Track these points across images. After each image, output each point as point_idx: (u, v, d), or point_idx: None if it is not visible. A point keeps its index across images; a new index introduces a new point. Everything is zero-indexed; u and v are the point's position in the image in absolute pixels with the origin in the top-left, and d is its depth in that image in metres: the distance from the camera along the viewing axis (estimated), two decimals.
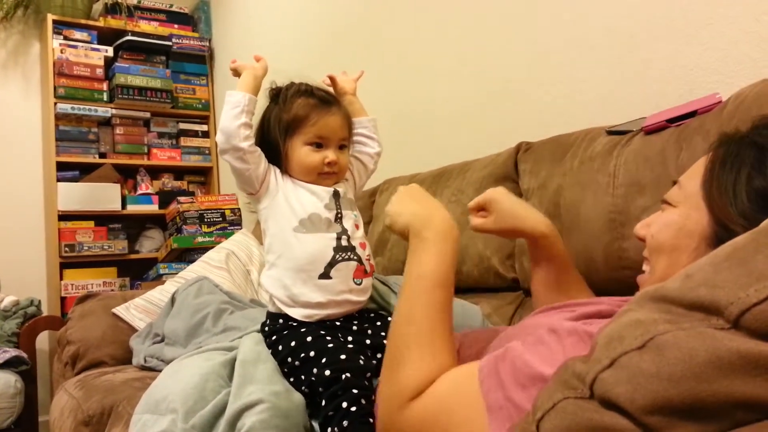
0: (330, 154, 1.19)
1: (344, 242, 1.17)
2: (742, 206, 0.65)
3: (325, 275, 1.14)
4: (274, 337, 1.15)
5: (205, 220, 3.05)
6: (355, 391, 0.97)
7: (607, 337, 0.50)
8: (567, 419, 0.50)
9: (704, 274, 0.47)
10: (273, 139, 1.21)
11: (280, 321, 1.16)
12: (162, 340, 1.74)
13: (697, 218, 0.71)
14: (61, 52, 3.17)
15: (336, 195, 1.20)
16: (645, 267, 0.81)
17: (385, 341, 1.15)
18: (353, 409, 0.95)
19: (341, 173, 1.24)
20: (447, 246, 0.87)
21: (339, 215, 1.19)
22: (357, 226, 1.21)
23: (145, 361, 1.73)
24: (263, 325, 1.22)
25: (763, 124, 0.72)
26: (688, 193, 0.74)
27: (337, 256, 1.16)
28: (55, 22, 3.23)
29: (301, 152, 1.19)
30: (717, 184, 0.69)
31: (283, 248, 1.17)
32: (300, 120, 1.19)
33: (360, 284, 1.18)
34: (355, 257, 1.18)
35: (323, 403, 0.99)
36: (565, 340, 0.64)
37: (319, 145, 1.20)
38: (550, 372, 0.59)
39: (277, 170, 1.21)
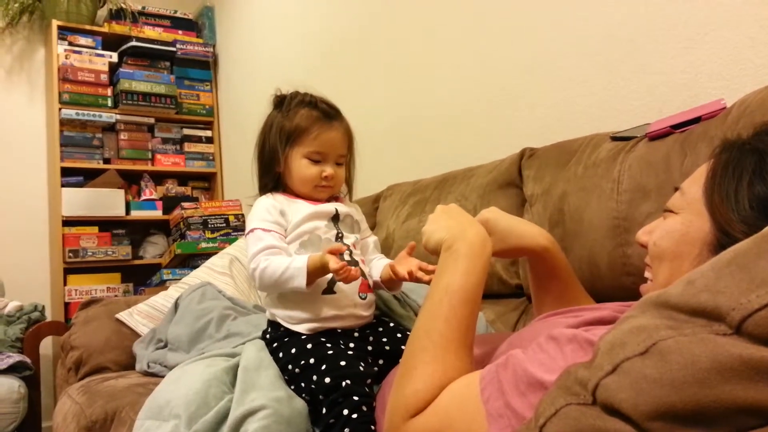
0: (328, 169, 1.20)
1: (347, 257, 1.18)
2: (744, 212, 0.65)
3: (329, 290, 1.15)
4: (275, 344, 1.15)
5: (209, 225, 3.06)
6: (355, 398, 0.97)
7: (609, 344, 0.50)
8: (570, 425, 0.50)
9: (706, 280, 0.47)
10: (272, 145, 1.22)
11: (281, 329, 1.16)
12: (165, 346, 1.74)
13: (699, 225, 0.71)
14: (66, 58, 3.19)
15: (335, 219, 1.22)
16: (647, 273, 0.81)
17: (387, 347, 1.16)
18: (354, 416, 0.95)
19: (337, 187, 1.25)
20: (477, 261, 0.84)
21: (340, 235, 1.20)
22: (355, 246, 1.22)
23: (149, 366, 1.73)
24: (264, 332, 1.22)
25: (764, 131, 0.72)
26: (689, 200, 0.74)
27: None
28: (59, 27, 3.24)
29: (301, 164, 1.20)
30: (719, 191, 0.69)
31: None
32: (301, 131, 1.20)
33: (365, 299, 1.18)
34: (359, 272, 1.18)
35: (324, 410, 0.99)
36: (565, 347, 0.64)
37: (317, 159, 1.21)
38: (549, 379, 0.59)
39: (285, 212, 1.20)
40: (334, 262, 1.04)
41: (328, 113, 1.22)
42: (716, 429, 0.42)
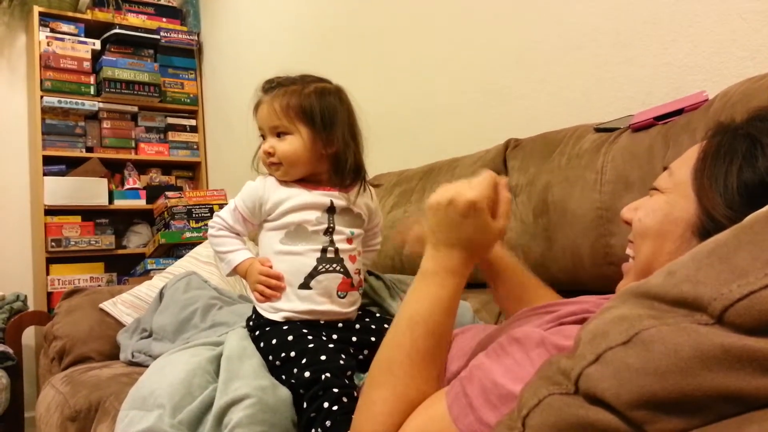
0: (265, 144, 1.19)
1: (330, 254, 1.16)
2: (731, 198, 0.65)
3: (305, 286, 1.14)
4: (257, 332, 1.16)
5: (194, 215, 3.04)
6: (335, 390, 0.97)
7: (591, 333, 0.50)
8: (553, 415, 0.50)
9: (687, 271, 0.47)
10: None
11: (263, 317, 1.17)
12: (150, 336, 1.73)
13: (684, 206, 0.70)
14: (48, 45, 3.15)
15: (330, 210, 1.18)
16: (629, 251, 0.81)
17: (372, 338, 1.16)
18: (335, 408, 0.95)
19: (285, 163, 1.18)
20: (450, 283, 0.78)
21: (330, 229, 1.17)
22: (350, 241, 1.19)
23: (133, 356, 1.73)
24: (248, 319, 1.22)
25: (758, 116, 0.71)
26: (677, 181, 0.73)
27: (320, 267, 1.15)
28: (41, 14, 3.19)
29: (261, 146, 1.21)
30: (708, 174, 0.69)
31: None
32: (254, 112, 1.22)
33: (344, 297, 1.17)
34: (341, 269, 1.16)
35: (305, 405, 0.99)
36: (532, 353, 0.64)
37: (262, 135, 1.21)
38: (520, 389, 0.58)
39: (267, 200, 1.20)
40: (252, 285, 1.19)
41: (265, 88, 1.20)
42: (698, 417, 0.43)
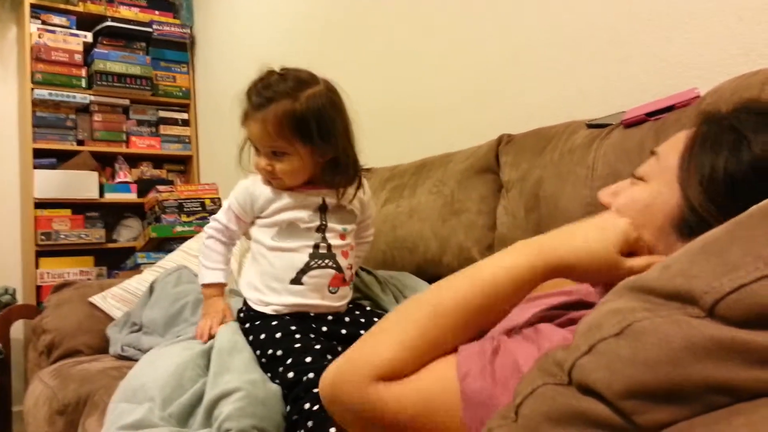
0: (260, 161, 1.17)
1: (322, 250, 1.17)
2: (714, 191, 0.65)
3: (297, 281, 1.14)
4: (247, 325, 1.16)
5: (185, 209, 3.03)
6: (316, 390, 0.97)
7: (586, 326, 0.51)
8: (545, 405, 0.50)
9: (681, 265, 0.48)
10: None
11: (253, 310, 1.17)
12: (140, 329, 1.73)
13: (666, 198, 0.70)
14: (39, 37, 3.12)
15: (322, 209, 1.19)
16: None
17: (362, 331, 1.16)
18: (315, 408, 0.95)
19: (287, 178, 1.17)
20: (480, 275, 0.71)
21: (323, 226, 1.18)
22: (343, 237, 1.20)
23: (122, 350, 1.72)
24: (239, 311, 1.23)
25: (743, 109, 0.71)
26: (663, 167, 0.72)
27: (312, 262, 1.15)
28: (32, 6, 3.17)
29: (253, 153, 1.20)
30: (693, 164, 0.68)
31: (259, 255, 1.19)
32: (242, 123, 1.18)
33: (335, 292, 1.18)
34: (333, 265, 1.17)
35: (288, 408, 0.99)
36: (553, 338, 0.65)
37: (258, 149, 1.18)
38: None
39: (259, 197, 1.21)
40: (200, 330, 1.23)
41: (255, 104, 1.14)
42: (687, 407, 0.43)
